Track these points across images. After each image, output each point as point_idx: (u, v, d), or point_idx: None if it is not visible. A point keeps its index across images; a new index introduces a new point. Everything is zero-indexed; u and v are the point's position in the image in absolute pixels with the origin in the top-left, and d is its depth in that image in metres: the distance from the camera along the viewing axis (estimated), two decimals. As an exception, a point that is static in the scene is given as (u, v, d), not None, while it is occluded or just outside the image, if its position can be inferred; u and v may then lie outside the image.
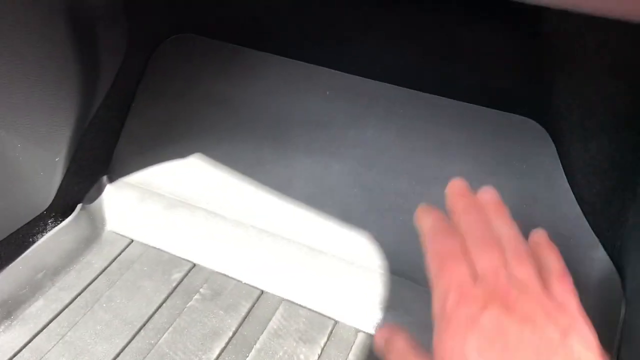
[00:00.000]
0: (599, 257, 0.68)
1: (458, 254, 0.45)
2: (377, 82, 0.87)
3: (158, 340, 0.70)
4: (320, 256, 0.78)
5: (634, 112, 0.63)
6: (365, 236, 0.78)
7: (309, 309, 0.74)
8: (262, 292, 0.76)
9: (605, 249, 0.69)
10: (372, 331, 0.71)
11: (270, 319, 0.73)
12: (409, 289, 0.74)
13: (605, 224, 0.69)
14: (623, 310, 0.63)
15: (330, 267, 0.77)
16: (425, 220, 0.50)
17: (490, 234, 0.46)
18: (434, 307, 0.44)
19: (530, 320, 0.39)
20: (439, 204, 0.78)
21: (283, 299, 0.75)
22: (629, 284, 0.64)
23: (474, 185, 0.78)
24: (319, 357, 0.69)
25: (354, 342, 0.70)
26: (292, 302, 0.75)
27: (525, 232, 0.73)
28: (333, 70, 0.90)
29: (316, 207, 0.81)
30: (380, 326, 0.71)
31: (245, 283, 0.77)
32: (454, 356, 0.39)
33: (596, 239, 0.70)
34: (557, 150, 0.74)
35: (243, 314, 0.73)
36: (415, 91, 0.85)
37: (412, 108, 0.83)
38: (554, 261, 0.47)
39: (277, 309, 0.74)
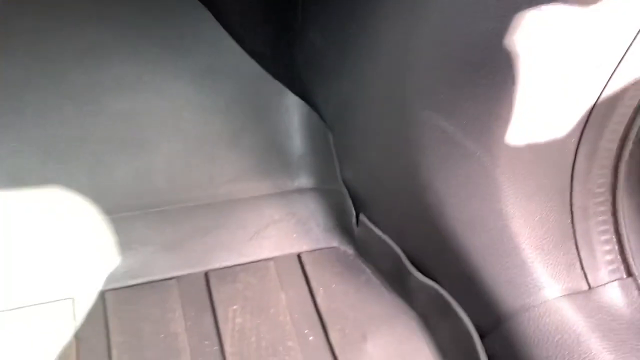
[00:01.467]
0: (292, 101, 0.70)
1: None
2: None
3: None
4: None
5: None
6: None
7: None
8: None
9: (292, 88, 0.70)
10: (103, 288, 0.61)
11: None
12: (128, 224, 0.65)
13: (280, 67, 0.70)
14: (331, 138, 0.67)
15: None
16: None
17: None
18: None
19: None
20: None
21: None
22: (324, 113, 0.68)
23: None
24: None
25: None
26: None
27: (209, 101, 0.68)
28: None
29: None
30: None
31: None
32: None
33: (279, 83, 0.70)
34: (211, 12, 0.68)
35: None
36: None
37: None
38: None
39: None
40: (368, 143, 0.61)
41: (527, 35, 0.43)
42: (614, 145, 0.51)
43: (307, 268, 0.66)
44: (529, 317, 0.50)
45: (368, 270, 0.67)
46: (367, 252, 0.67)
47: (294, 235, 0.69)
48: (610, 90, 0.47)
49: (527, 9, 0.42)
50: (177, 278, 0.63)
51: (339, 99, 0.63)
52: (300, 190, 0.71)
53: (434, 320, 0.59)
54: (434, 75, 0.49)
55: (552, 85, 0.47)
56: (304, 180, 0.71)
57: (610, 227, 0.54)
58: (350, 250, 0.69)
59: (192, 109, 0.67)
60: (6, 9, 0.60)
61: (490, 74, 0.47)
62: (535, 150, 0.51)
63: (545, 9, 0.42)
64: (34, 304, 0.59)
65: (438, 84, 0.49)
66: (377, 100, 0.57)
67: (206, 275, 0.63)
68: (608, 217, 0.54)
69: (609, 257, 0.53)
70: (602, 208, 0.53)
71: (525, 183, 0.52)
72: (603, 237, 0.53)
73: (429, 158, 0.53)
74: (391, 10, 0.50)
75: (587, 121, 0.50)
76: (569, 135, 0.51)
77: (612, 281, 0.52)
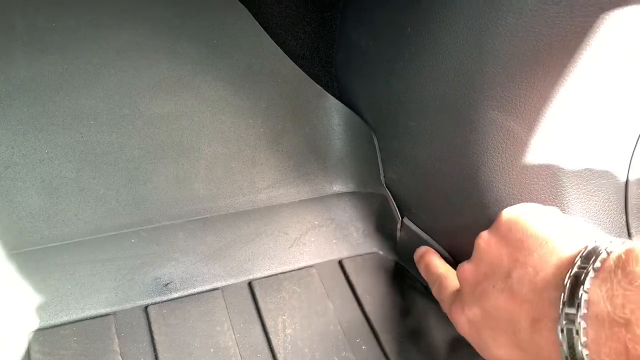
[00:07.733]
0: (331, 103, 0.68)
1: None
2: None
3: None
4: None
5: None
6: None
7: None
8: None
9: (331, 90, 0.68)
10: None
11: None
12: (169, 233, 0.61)
13: (319, 68, 0.68)
14: (374, 137, 0.65)
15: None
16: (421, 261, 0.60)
17: None
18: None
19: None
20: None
21: None
22: (367, 115, 0.66)
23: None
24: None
25: None
26: None
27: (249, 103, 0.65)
28: None
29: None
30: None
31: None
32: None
33: (318, 85, 0.68)
34: (250, 12, 0.65)
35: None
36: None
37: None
38: None
39: None
40: (419, 144, 0.59)
41: (604, 37, 0.43)
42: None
43: (350, 274, 0.64)
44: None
45: (411, 275, 0.65)
46: (410, 257, 0.65)
47: (334, 241, 0.67)
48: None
49: (612, 9, 0.42)
50: (222, 289, 0.60)
51: (387, 100, 0.61)
52: (339, 195, 0.69)
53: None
54: (505, 76, 0.48)
55: (619, 88, 0.47)
56: (343, 184, 0.69)
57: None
58: (390, 256, 0.67)
59: (231, 111, 0.64)
60: (37, 8, 0.56)
61: (561, 75, 0.46)
62: (597, 151, 0.51)
63: (630, 10, 0.42)
64: (71, 321, 0.55)
65: (508, 84, 0.48)
66: (433, 101, 0.55)
67: (250, 284, 0.61)
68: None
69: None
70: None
71: (587, 182, 0.52)
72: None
73: (492, 159, 0.52)
74: (463, 8, 0.49)
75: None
76: (626, 140, 0.51)
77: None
